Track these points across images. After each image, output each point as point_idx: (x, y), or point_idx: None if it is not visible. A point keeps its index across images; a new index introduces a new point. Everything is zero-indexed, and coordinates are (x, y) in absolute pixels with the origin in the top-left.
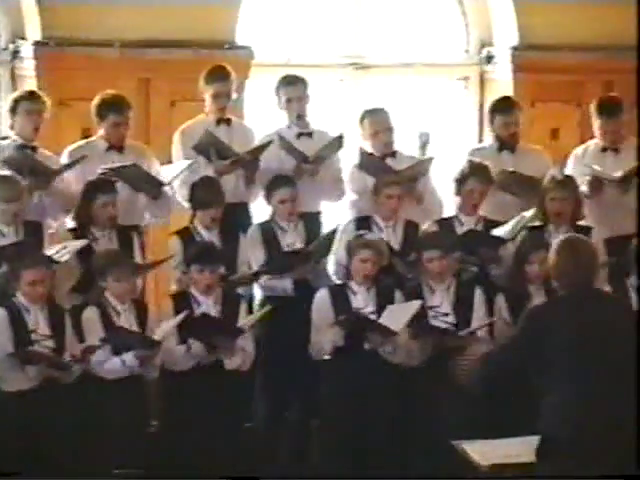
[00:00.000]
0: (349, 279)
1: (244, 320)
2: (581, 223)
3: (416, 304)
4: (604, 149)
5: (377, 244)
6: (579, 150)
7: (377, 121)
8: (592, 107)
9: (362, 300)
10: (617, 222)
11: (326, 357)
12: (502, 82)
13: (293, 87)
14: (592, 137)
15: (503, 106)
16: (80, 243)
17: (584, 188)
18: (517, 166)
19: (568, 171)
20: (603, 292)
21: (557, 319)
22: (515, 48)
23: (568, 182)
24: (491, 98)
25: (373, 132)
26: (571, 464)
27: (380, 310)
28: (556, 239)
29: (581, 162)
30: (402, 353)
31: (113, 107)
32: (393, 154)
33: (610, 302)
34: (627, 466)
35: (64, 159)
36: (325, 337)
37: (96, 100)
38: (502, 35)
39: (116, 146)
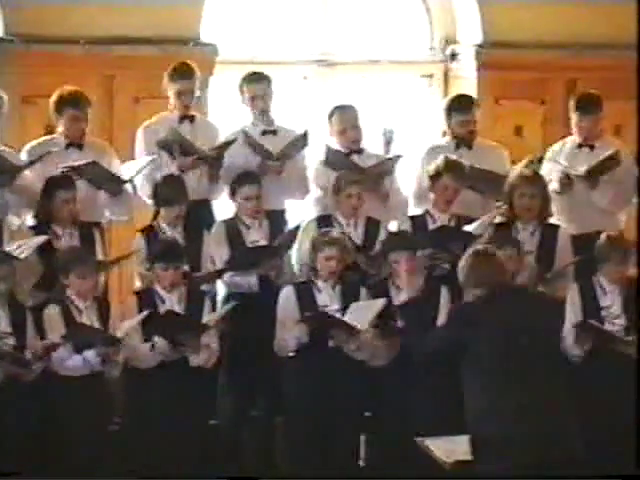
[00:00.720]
0: (314, 277)
1: (209, 317)
2: (549, 221)
3: (381, 302)
4: (580, 145)
5: (342, 241)
6: (556, 146)
7: (345, 118)
8: (571, 103)
9: (327, 297)
10: (585, 219)
11: (290, 354)
12: (466, 79)
13: (257, 84)
14: (557, 135)
15: (460, 104)
16: (41, 239)
17: (555, 184)
18: (475, 163)
19: (545, 167)
20: (523, 289)
21: (483, 317)
22: (479, 46)
23: (536, 178)
24: None
25: (341, 129)
26: (503, 464)
27: (345, 308)
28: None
29: (557, 158)
30: (366, 351)
31: (71, 102)
32: (359, 151)
33: (531, 297)
34: (626, 466)
35: (23, 156)
36: (290, 334)
37: (54, 96)
38: (466, 33)
39: (76, 143)
